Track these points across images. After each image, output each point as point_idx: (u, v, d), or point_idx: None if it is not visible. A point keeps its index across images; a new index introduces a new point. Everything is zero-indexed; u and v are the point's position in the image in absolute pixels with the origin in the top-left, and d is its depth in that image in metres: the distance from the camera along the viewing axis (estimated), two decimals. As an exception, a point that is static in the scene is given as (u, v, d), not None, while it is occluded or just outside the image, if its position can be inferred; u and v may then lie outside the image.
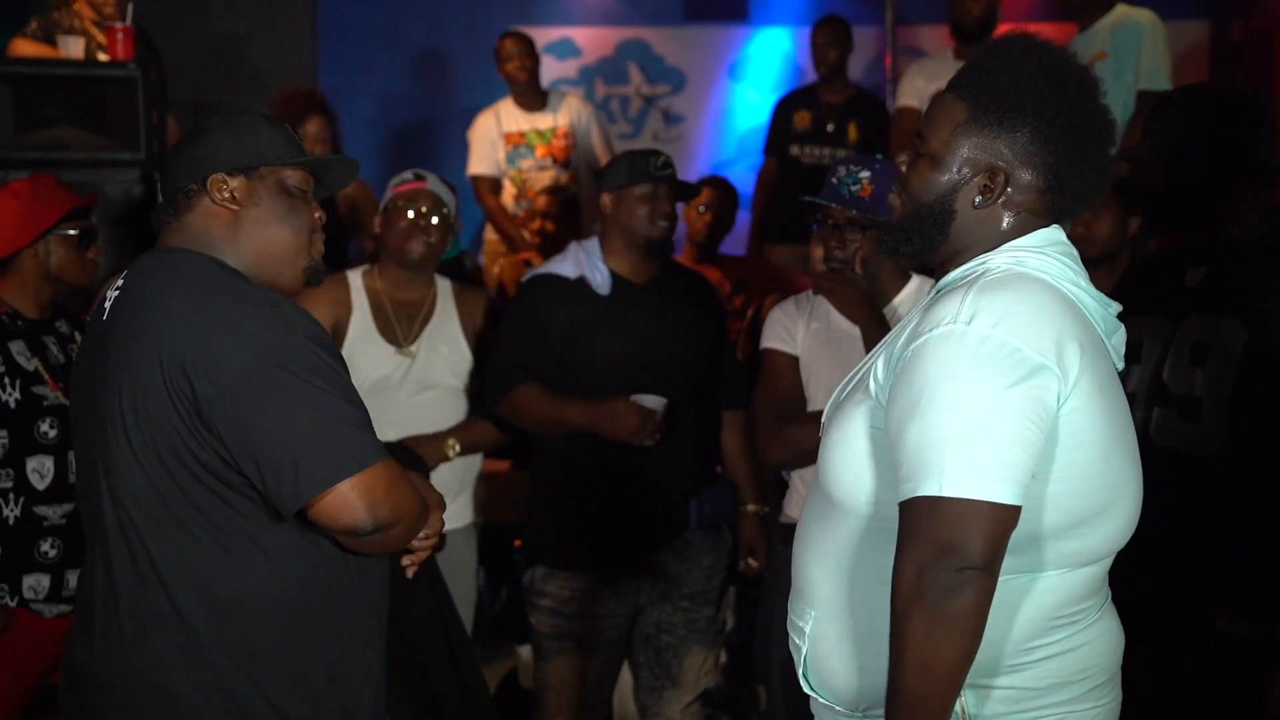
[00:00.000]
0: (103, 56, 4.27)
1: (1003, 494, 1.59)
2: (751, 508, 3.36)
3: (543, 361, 3.26)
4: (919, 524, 1.60)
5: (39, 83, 4.01)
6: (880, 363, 1.74)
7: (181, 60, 5.55)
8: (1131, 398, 2.43)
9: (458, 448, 3.38)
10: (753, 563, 3.36)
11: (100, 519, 1.93)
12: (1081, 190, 1.79)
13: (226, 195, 1.97)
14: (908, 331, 1.71)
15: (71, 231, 3.05)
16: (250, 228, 1.98)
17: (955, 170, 1.77)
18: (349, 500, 1.78)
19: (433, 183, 3.41)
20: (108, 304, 1.98)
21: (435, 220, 3.37)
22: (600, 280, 3.27)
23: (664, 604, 3.28)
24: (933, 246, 1.80)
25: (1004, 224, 1.77)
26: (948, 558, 1.58)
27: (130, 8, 4.15)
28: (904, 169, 1.83)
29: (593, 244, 3.35)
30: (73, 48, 4.13)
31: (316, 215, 2.06)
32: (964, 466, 1.58)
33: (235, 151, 1.99)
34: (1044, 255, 1.75)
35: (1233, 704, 2.30)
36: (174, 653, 1.86)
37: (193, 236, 1.98)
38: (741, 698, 4.13)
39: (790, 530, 3.09)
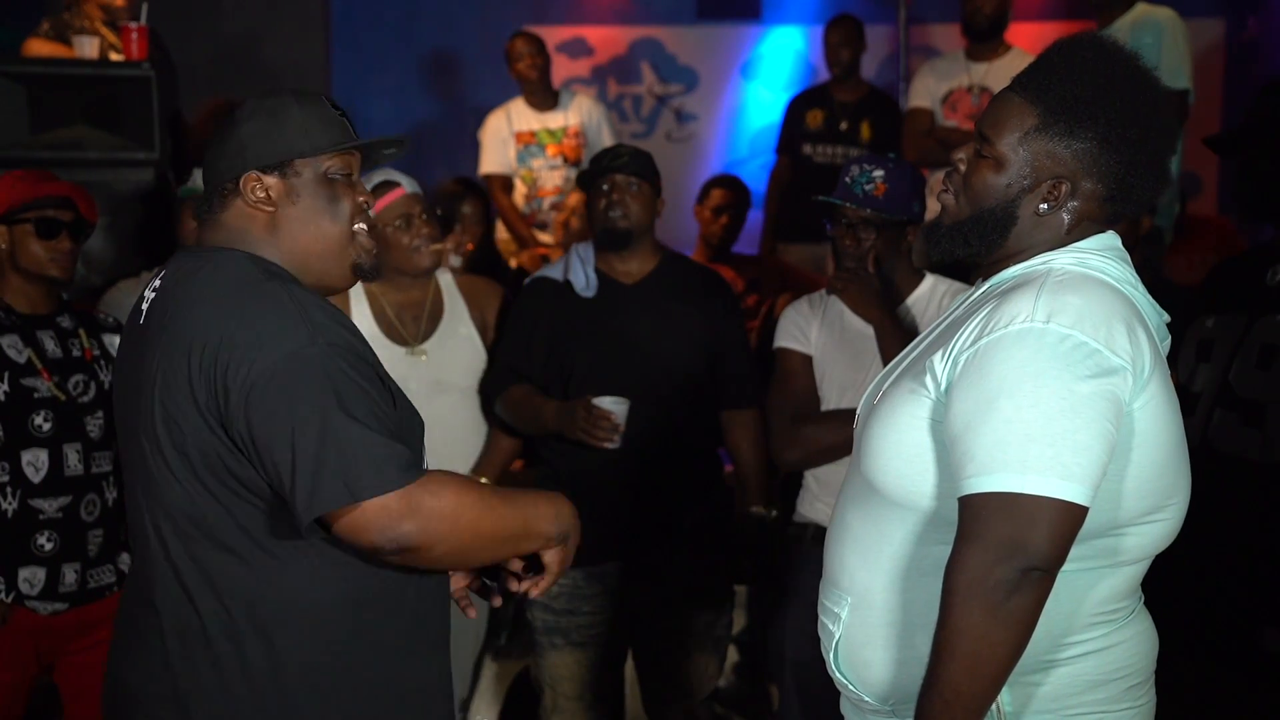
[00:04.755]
0: (115, 56, 4.28)
1: (1078, 494, 1.59)
2: (755, 510, 3.33)
3: (532, 364, 3.28)
4: (988, 519, 1.59)
5: (54, 82, 4.02)
6: (937, 356, 1.72)
7: (194, 60, 5.56)
8: (1197, 398, 2.41)
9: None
10: (748, 565, 3.34)
11: (141, 534, 1.86)
12: (1141, 198, 1.79)
13: (261, 195, 1.87)
14: (972, 327, 1.70)
15: (29, 221, 2.99)
16: (289, 227, 1.88)
17: (1021, 176, 1.76)
18: (360, 522, 1.68)
19: (407, 183, 3.35)
20: (145, 305, 1.89)
21: (428, 218, 3.32)
22: (584, 283, 3.27)
23: (659, 609, 3.28)
24: (990, 249, 1.80)
25: (1063, 228, 1.77)
26: (1015, 556, 1.57)
27: (144, 8, 4.16)
28: (962, 167, 1.82)
29: (587, 246, 3.35)
30: (87, 48, 4.15)
31: (361, 199, 1.94)
32: (1047, 464, 1.58)
33: (267, 146, 1.87)
34: (1105, 258, 1.75)
35: None
36: (223, 671, 1.79)
37: (231, 235, 1.89)
38: (754, 697, 4.13)
39: (803, 529, 3.09)
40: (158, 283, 1.89)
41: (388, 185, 3.32)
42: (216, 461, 1.75)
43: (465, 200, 4.52)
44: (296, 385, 1.70)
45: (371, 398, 1.74)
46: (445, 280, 3.46)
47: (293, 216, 1.88)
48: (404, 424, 1.84)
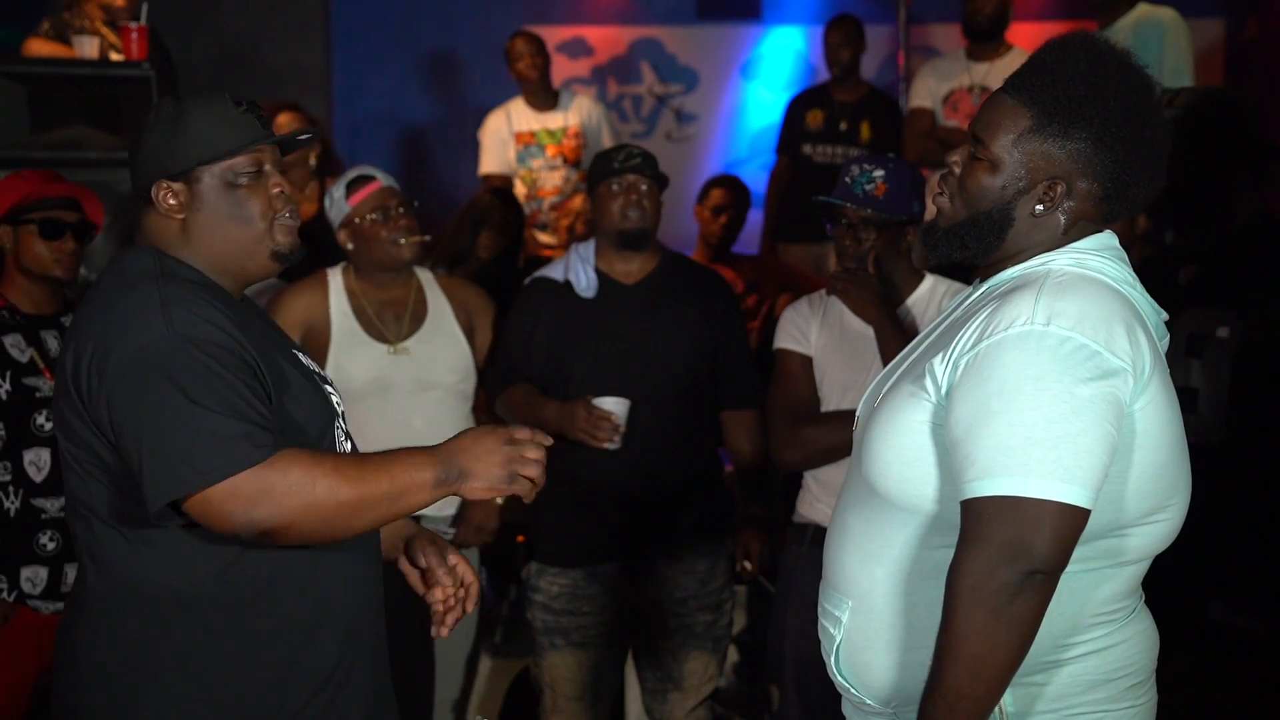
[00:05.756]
0: (116, 56, 4.28)
1: (1080, 497, 1.59)
2: (754, 510, 3.33)
3: (531, 364, 3.28)
4: (990, 523, 1.59)
5: (54, 82, 4.02)
6: (937, 360, 1.72)
7: (194, 61, 5.56)
8: None
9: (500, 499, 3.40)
10: (748, 565, 3.34)
11: (70, 523, 1.97)
12: (1138, 197, 1.78)
13: (171, 203, 1.94)
14: (972, 330, 1.69)
15: (33, 221, 3.01)
16: (199, 232, 1.94)
17: (1016, 177, 1.75)
18: (211, 508, 1.73)
19: (383, 177, 3.34)
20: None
21: (406, 210, 3.31)
22: (584, 283, 3.27)
23: (659, 608, 3.28)
24: (987, 251, 1.79)
25: (1060, 229, 1.77)
26: (1018, 560, 1.57)
27: (144, 8, 4.16)
28: (957, 169, 1.81)
29: (588, 246, 3.35)
30: (87, 47, 4.14)
31: (275, 190, 1.97)
32: (1049, 467, 1.58)
33: (171, 155, 1.93)
34: (1103, 258, 1.75)
35: (1225, 692, 2.30)
36: (99, 641, 1.87)
37: (151, 239, 1.97)
38: (754, 698, 4.13)
39: (803, 530, 3.09)
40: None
41: (363, 180, 3.32)
42: (90, 449, 1.85)
43: (499, 210, 4.55)
44: (144, 375, 1.76)
45: (227, 385, 1.77)
46: (426, 278, 3.45)
47: (201, 222, 1.94)
48: (300, 416, 1.89)
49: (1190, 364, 2.39)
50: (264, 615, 1.87)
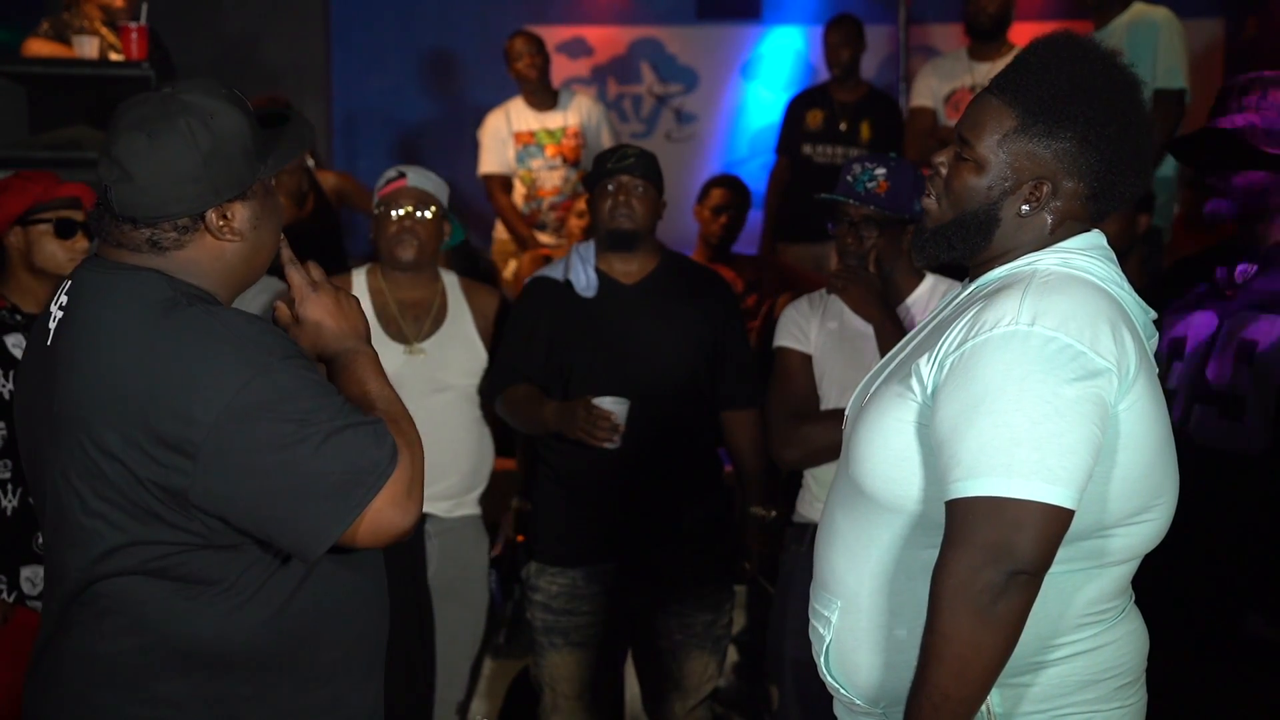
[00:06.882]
0: (115, 56, 4.28)
1: (1063, 498, 1.59)
2: (755, 510, 3.33)
3: (532, 364, 3.28)
4: (974, 523, 1.59)
5: (53, 82, 4.03)
6: (923, 360, 1.72)
7: (194, 60, 5.56)
8: (1172, 394, 2.42)
9: (515, 502, 3.45)
10: (747, 565, 3.35)
11: (57, 564, 1.78)
12: (1124, 195, 1.78)
13: (228, 227, 1.75)
14: (958, 330, 1.69)
15: (47, 221, 3.02)
16: (247, 250, 1.78)
17: (1002, 177, 1.76)
18: (379, 521, 1.65)
19: (413, 177, 3.36)
20: (52, 324, 1.75)
21: (420, 216, 3.33)
22: (584, 283, 3.27)
23: (659, 608, 3.28)
24: (974, 252, 1.80)
25: (1047, 229, 1.77)
26: (1002, 560, 1.57)
27: (144, 8, 4.16)
28: (943, 170, 1.81)
29: (588, 246, 3.35)
30: (87, 47, 4.15)
31: None
32: (1032, 468, 1.58)
33: (231, 174, 1.72)
34: (1090, 258, 1.75)
35: (1258, 707, 2.28)
36: (138, 708, 1.72)
37: (170, 264, 1.74)
38: (753, 697, 4.12)
39: (803, 530, 3.09)
40: (65, 299, 1.75)
41: (398, 175, 3.37)
42: (141, 505, 1.67)
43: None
44: (264, 412, 1.61)
45: (330, 388, 1.69)
46: (451, 281, 3.47)
47: (254, 240, 1.78)
48: None
49: (1240, 370, 2.33)
50: (306, 663, 1.77)
